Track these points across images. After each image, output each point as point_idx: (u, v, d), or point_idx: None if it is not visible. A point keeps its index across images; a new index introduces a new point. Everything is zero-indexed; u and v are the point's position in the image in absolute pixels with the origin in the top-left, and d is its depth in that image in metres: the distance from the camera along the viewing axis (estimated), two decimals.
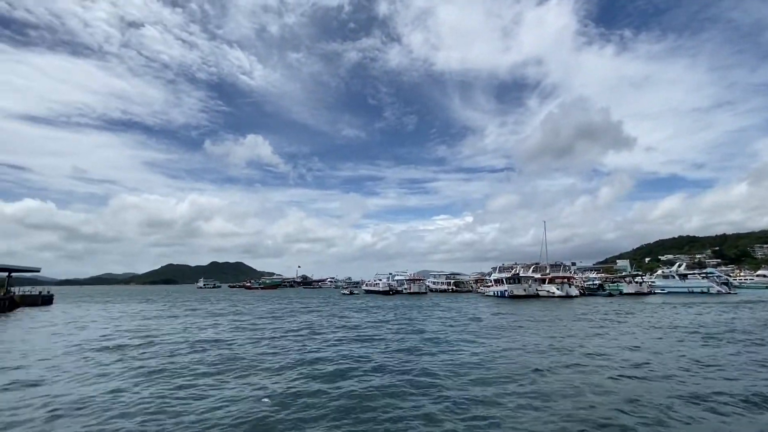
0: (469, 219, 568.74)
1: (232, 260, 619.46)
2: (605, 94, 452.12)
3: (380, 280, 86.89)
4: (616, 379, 11.29)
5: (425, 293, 77.10)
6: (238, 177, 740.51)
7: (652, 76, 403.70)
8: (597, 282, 72.61)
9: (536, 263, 73.31)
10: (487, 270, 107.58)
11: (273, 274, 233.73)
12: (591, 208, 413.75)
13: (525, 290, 55.71)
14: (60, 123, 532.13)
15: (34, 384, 11.42)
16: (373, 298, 63.59)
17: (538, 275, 63.34)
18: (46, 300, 54.44)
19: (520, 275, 60.98)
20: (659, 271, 77.92)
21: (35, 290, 59.36)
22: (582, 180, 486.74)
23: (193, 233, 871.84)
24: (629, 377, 11.43)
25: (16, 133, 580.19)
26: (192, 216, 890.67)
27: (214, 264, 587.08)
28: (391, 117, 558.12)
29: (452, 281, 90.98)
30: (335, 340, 19.25)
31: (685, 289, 66.38)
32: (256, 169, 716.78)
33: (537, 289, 57.75)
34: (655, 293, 65.08)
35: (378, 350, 16.48)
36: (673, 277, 71.37)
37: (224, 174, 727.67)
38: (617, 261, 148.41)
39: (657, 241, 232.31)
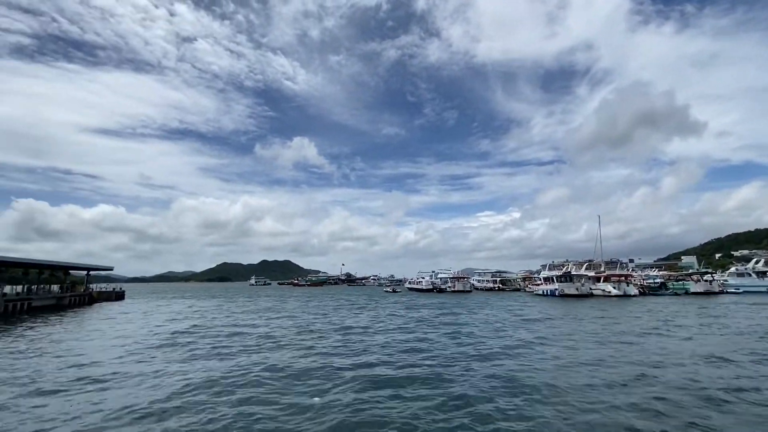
0: (516, 214, 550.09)
1: (280, 258, 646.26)
2: (666, 76, 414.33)
3: (423, 278, 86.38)
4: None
5: (470, 291, 75.55)
6: (284, 179, 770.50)
7: (721, 54, 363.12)
8: (659, 280, 67.15)
9: (590, 260, 69.20)
10: (535, 268, 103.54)
11: (318, 271, 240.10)
12: (651, 201, 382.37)
13: (578, 289, 52.75)
14: (126, 134, 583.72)
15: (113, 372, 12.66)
16: (417, 296, 63.39)
17: (591, 273, 59.82)
18: (119, 296, 60.11)
19: (572, 273, 57.85)
20: (732, 269, 70.30)
21: (109, 287, 65.72)
22: (640, 170, 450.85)
23: (245, 233, 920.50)
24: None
25: (90, 145, 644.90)
26: (244, 217, 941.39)
27: (264, 262, 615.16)
28: (431, 113, 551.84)
29: (498, 279, 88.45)
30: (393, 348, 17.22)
31: (764, 288, 59.47)
32: (302, 170, 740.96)
33: (591, 288, 54.50)
34: (727, 292, 58.98)
35: (443, 352, 15.76)
36: (749, 274, 64.10)
37: (272, 176, 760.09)
38: (682, 257, 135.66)
39: (729, 235, 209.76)
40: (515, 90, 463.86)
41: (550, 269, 67.76)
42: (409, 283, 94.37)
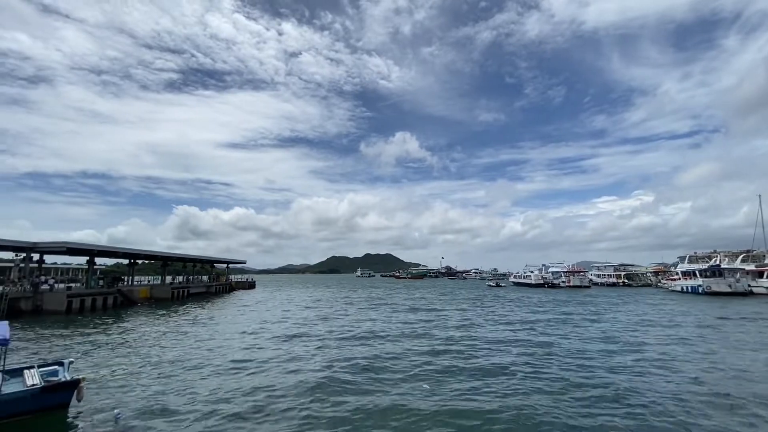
0: (647, 198, 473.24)
1: (382, 252, 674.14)
2: None
3: (532, 272, 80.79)
4: None
5: (588, 287, 68.19)
6: (383, 175, 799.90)
7: None
8: None
9: (747, 251, 56.28)
10: (671, 260, 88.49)
11: (419, 264, 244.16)
12: None
13: (730, 286, 43.37)
14: (250, 146, 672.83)
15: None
16: (524, 292, 59.72)
17: (750, 266, 48.56)
18: (251, 285, 70.39)
19: (722, 267, 47.70)
20: None
21: (243, 278, 77.15)
22: None
23: (351, 228, 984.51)
24: None
25: (224, 158, 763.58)
26: (350, 213, 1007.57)
27: (367, 255, 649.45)
28: (533, 93, 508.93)
29: (622, 273, 77.98)
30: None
31: None
32: (401, 166, 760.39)
33: (749, 285, 44.31)
34: None
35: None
36: None
37: (372, 174, 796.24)
38: None
39: None
40: (637, 54, 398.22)
41: (690, 261, 57.19)
42: (514, 277, 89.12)
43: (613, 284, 74.76)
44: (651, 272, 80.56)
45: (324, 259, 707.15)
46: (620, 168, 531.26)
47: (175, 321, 23.88)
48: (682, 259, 60.91)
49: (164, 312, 29.26)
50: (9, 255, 36.18)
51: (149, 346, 15.58)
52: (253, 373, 11.57)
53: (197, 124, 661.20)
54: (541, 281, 71.65)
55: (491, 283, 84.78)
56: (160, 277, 51.90)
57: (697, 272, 47.33)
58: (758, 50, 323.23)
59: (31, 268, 31.51)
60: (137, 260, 49.03)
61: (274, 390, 9.93)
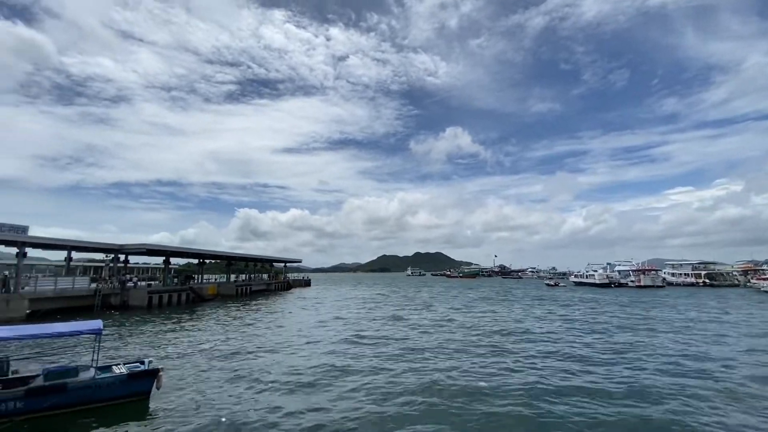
0: (734, 187, 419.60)
1: (432, 250, 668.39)
2: None
3: (595, 270, 75.46)
4: None
5: (662, 287, 62.30)
6: (432, 173, 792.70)
7: None
8: None
9: None
10: (762, 257, 78.21)
11: (471, 263, 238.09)
12: None
13: None
14: (303, 150, 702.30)
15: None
16: (587, 292, 55.93)
17: None
18: (307, 283, 73.34)
19: None
20: None
21: (299, 276, 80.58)
22: None
23: (401, 227, 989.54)
24: None
25: (279, 162, 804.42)
26: (399, 212, 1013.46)
27: (417, 254, 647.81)
28: (591, 79, 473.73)
29: (702, 272, 70.21)
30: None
31: None
32: (449, 163, 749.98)
33: None
34: None
35: None
36: None
37: (420, 172, 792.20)
38: None
39: None
40: (715, 27, 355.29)
41: None
42: (575, 276, 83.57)
43: (692, 284, 67.60)
44: (738, 271, 71.72)
45: (374, 257, 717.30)
46: (697, 155, 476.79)
47: (242, 316, 25.57)
48: None
49: (231, 307, 31.45)
50: (100, 256, 40.92)
51: (221, 339, 16.81)
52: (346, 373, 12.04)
53: (254, 132, 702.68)
54: (606, 280, 66.61)
55: (549, 282, 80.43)
56: (225, 276, 55.83)
57: None
58: None
59: (117, 268, 35.41)
60: (205, 260, 53.12)
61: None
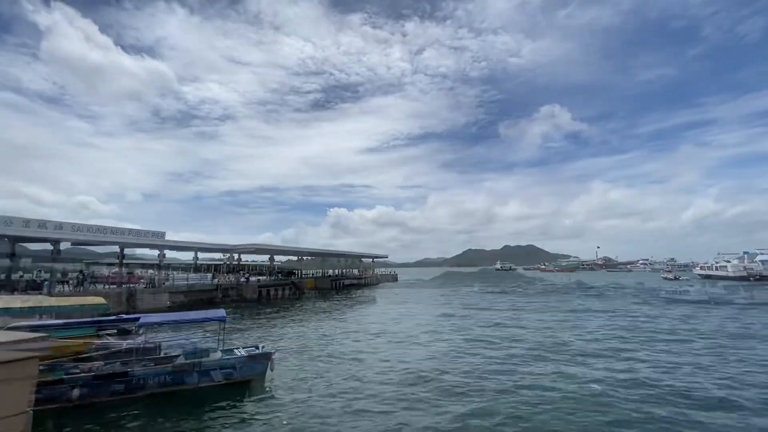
0: None
1: (523, 243, 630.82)
2: None
3: (728, 261, 63.32)
4: None
5: None
6: (519, 161, 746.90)
7: None
8: None
9: None
10: None
11: (569, 256, 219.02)
12: None
13: None
14: (383, 148, 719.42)
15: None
16: (724, 288, 47.17)
17: None
18: (394, 278, 75.13)
19: None
20: None
21: (386, 271, 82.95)
22: None
23: (489, 219, 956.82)
24: None
25: (363, 162, 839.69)
26: (485, 204, 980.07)
27: (506, 248, 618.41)
28: (713, 35, 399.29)
29: None
30: None
31: None
32: (541, 148, 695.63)
33: None
34: None
35: None
36: None
37: (505, 161, 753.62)
38: None
39: None
40: None
41: None
42: (702, 268, 71.08)
43: None
44: None
45: (460, 252, 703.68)
46: None
47: (339, 308, 27.40)
48: None
49: (329, 300, 33.89)
50: (218, 255, 47.31)
51: (325, 328, 18.27)
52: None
53: (339, 136, 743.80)
54: (744, 272, 55.50)
55: (668, 276, 69.94)
56: (320, 271, 60.18)
57: None
58: None
59: (233, 265, 40.55)
60: (303, 257, 57.89)
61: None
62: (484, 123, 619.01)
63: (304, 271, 54.76)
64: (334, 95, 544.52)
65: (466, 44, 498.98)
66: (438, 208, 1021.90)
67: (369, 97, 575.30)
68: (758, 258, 62.98)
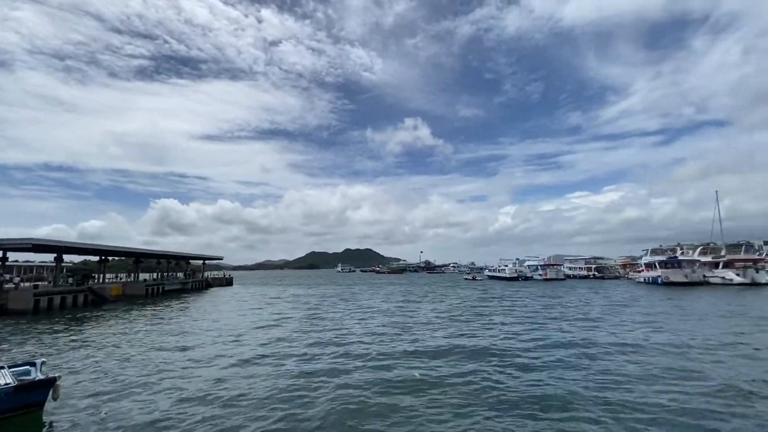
0: (625, 193, 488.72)
1: (368, 247, 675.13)
2: None
3: (506, 265, 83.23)
4: None
5: (563, 279, 70.95)
6: (364, 170, 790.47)
7: None
8: None
9: (707, 244, 59.94)
10: (638, 253, 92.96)
11: (399, 259, 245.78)
12: None
13: (686, 276, 46.38)
14: (227, 138, 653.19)
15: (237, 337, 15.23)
16: (500, 285, 61.54)
17: (707, 258, 51.85)
18: (229, 282, 69.34)
19: (680, 258, 50.81)
20: None
21: (220, 274, 76.06)
22: None
23: (338, 223, 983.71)
24: None
25: (199, 150, 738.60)
26: (331, 208, 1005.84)
27: (347, 251, 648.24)
28: (511, 89, 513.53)
29: (593, 266, 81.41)
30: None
31: None
32: (379, 160, 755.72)
33: (705, 276, 47.44)
34: None
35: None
36: None
37: (352, 168, 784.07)
38: None
39: None
40: (612, 52, 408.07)
41: (654, 254, 60.38)
42: (489, 270, 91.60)
43: (585, 277, 77.94)
44: (620, 265, 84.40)
45: (304, 254, 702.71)
46: (594, 163, 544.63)
47: (151, 317, 23.64)
48: (646, 252, 64.22)
49: (137, 309, 28.78)
50: None
51: (121, 343, 15.55)
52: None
53: (170, 114, 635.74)
54: (515, 274, 74.02)
55: (468, 277, 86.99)
56: (133, 275, 50.69)
57: (657, 264, 50.12)
58: (725, 52, 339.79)
59: None
60: (108, 257, 47.64)
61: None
62: (335, 130, 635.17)
63: (110, 275, 45.29)
64: (168, 67, 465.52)
65: (324, 48, 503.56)
66: (292, 207, 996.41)
67: (213, 79, 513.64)
68: (525, 263, 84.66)
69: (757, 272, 45.32)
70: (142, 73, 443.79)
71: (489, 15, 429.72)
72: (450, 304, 31.13)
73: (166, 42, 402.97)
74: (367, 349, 14.32)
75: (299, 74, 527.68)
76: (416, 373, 10.93)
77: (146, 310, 29.00)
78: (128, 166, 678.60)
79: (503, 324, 19.90)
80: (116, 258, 61.71)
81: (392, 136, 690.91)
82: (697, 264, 49.40)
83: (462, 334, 17.01)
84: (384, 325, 20.05)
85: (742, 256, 50.22)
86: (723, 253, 53.34)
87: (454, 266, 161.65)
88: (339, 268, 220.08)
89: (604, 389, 9.34)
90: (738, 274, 45.33)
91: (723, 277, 46.21)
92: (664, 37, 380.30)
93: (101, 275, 45.77)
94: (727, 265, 48.33)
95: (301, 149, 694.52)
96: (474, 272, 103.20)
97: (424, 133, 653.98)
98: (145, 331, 19.09)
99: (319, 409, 8.41)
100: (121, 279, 48.12)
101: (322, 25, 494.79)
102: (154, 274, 54.72)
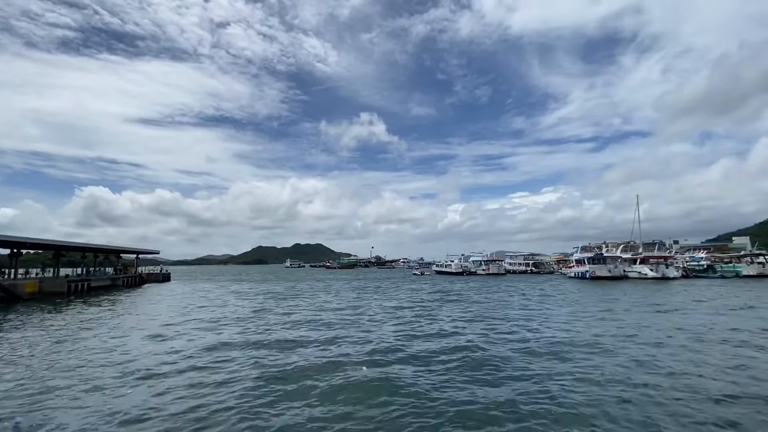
0: (561, 194, 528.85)
1: (319, 242, 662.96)
2: (726, 40, 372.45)
3: (452, 261, 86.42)
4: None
5: (504, 274, 75.10)
6: (316, 163, 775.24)
7: None
8: (704, 263, 63.59)
9: (627, 242, 66.68)
10: (571, 250, 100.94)
11: (350, 255, 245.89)
12: (734, 175, 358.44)
13: (610, 271, 51.31)
14: (166, 123, 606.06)
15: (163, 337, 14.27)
16: (445, 279, 63.78)
17: (627, 255, 57.78)
18: (165, 277, 64.89)
19: (605, 255, 56.18)
20: None
21: (156, 269, 70.97)
22: (735, 142, 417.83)
23: (288, 217, 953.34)
24: None
25: (133, 134, 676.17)
26: (280, 202, 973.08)
27: (296, 246, 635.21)
28: (462, 91, 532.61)
29: (531, 262, 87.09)
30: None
31: None
32: (332, 154, 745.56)
33: (625, 270, 52.83)
34: None
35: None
36: None
37: (303, 161, 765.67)
38: (733, 238, 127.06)
39: None
40: (553, 62, 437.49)
41: (583, 251, 65.93)
42: (437, 266, 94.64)
43: (523, 272, 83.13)
44: (554, 261, 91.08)
45: (250, 249, 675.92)
46: (535, 166, 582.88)
47: (69, 318, 21.42)
48: (576, 249, 70.04)
49: (56, 309, 25.96)
50: None
51: (38, 349, 13.98)
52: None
53: (100, 93, 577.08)
54: (461, 269, 77.18)
55: (416, 272, 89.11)
56: (52, 270, 45.60)
57: (585, 260, 54.89)
58: (648, 69, 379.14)
59: None
60: (21, 250, 42.39)
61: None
62: (286, 120, 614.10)
63: (24, 270, 40.35)
64: (98, 41, 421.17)
65: (276, 35, 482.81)
66: (238, 200, 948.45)
67: (151, 58, 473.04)
68: (470, 259, 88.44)
69: (666, 268, 51.46)
70: (66, 46, 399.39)
71: (443, 17, 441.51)
72: (399, 299, 31.75)
73: (96, 13, 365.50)
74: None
75: (249, 60, 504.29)
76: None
77: (68, 309, 26.25)
78: (48, 149, 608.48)
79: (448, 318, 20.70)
80: (31, 251, 55.10)
81: (347, 130, 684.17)
82: (619, 260, 54.80)
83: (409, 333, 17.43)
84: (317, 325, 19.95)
85: (655, 253, 56.68)
86: (640, 250, 59.74)
87: (404, 261, 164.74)
88: (287, 264, 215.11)
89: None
90: (651, 270, 51.04)
91: (639, 272, 51.76)
92: (598, 51, 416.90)
93: (12, 270, 40.63)
94: (643, 261, 54.19)
95: (250, 139, 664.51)
96: (422, 267, 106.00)
97: (380, 129, 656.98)
98: (63, 331, 17.30)
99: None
100: (38, 274, 42.92)
101: (274, 11, 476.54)
102: (78, 269, 49.49)
